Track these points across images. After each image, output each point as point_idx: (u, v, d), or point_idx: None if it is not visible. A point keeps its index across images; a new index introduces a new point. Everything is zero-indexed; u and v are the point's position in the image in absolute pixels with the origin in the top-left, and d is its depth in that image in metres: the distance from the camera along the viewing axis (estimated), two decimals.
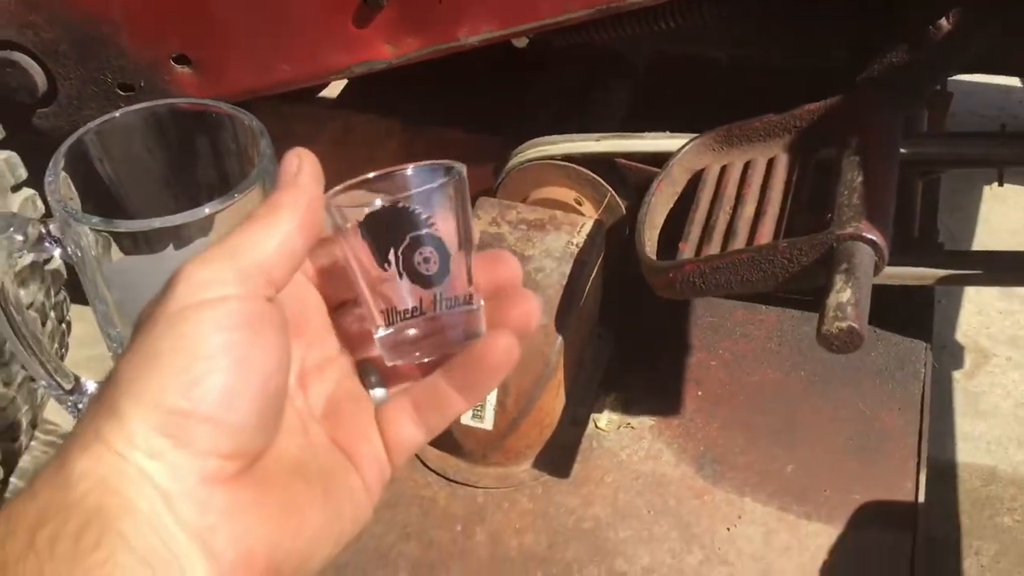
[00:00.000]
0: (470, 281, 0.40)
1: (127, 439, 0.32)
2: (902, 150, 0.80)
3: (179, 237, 0.67)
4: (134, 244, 0.67)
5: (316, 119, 1.08)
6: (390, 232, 0.40)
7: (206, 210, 0.65)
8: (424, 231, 0.40)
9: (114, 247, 0.67)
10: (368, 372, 0.41)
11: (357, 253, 0.39)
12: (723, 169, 0.83)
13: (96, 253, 0.68)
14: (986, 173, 1.48)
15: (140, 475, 0.31)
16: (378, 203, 0.39)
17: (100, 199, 0.70)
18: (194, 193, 0.70)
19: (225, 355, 0.33)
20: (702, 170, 0.84)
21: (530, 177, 0.98)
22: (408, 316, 0.39)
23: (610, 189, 0.95)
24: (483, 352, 0.38)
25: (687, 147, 0.84)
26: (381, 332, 0.40)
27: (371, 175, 0.41)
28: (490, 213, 0.89)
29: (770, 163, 0.81)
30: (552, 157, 0.96)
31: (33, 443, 1.03)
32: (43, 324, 0.92)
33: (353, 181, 0.41)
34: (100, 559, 0.29)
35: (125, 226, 0.65)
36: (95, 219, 0.65)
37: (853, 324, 0.61)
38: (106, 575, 0.29)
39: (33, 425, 0.96)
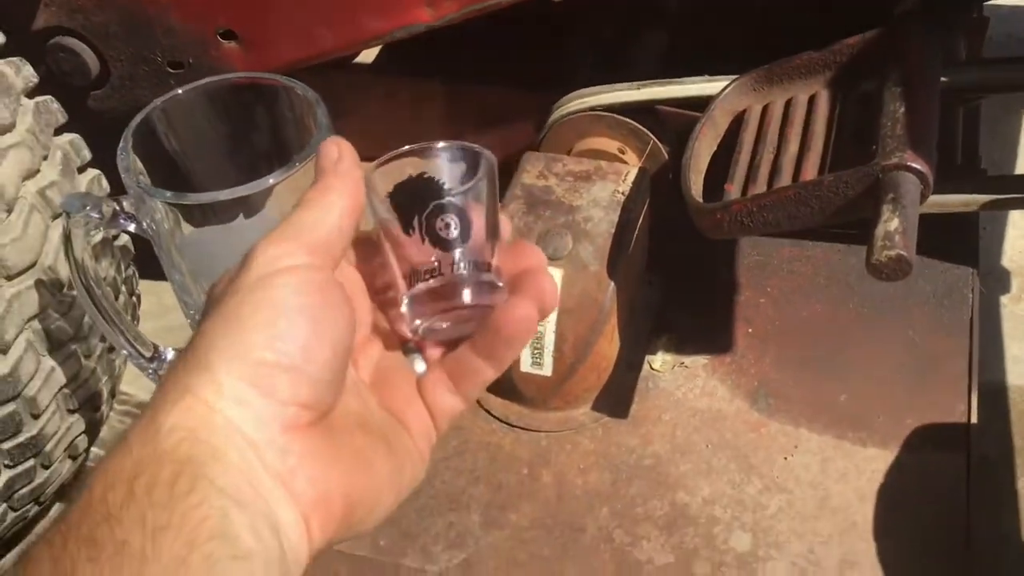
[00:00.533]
0: (492, 257, 0.43)
1: (216, 389, 0.35)
2: (942, 78, 0.81)
3: (245, 207, 0.70)
4: (203, 215, 0.71)
5: (359, 85, 1.10)
6: (415, 199, 0.43)
7: (270, 180, 0.69)
8: (446, 199, 0.43)
9: (182, 219, 0.70)
10: (408, 348, 0.44)
11: (388, 226, 0.43)
12: (764, 109, 0.85)
13: (168, 226, 0.71)
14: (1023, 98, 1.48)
15: (227, 424, 0.35)
16: (406, 173, 0.43)
17: (167, 174, 0.73)
18: (255, 163, 0.73)
19: (302, 314, 0.37)
20: (743, 111, 0.86)
21: (573, 129, 1.00)
22: (428, 276, 0.42)
23: (652, 136, 0.97)
24: (502, 322, 0.41)
25: (727, 89, 0.86)
26: (405, 301, 0.43)
27: (404, 148, 0.44)
28: (537, 167, 0.92)
29: (811, 100, 0.82)
30: (593, 108, 0.98)
31: (111, 413, 1.08)
32: (116, 298, 0.96)
33: (388, 155, 0.44)
34: (195, 502, 0.32)
35: (195, 199, 0.68)
36: (168, 193, 0.68)
37: (902, 252, 0.63)
38: (202, 515, 0.32)
39: (112, 395, 1.01)
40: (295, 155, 0.69)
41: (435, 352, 0.44)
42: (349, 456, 0.38)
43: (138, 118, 0.71)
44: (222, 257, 0.73)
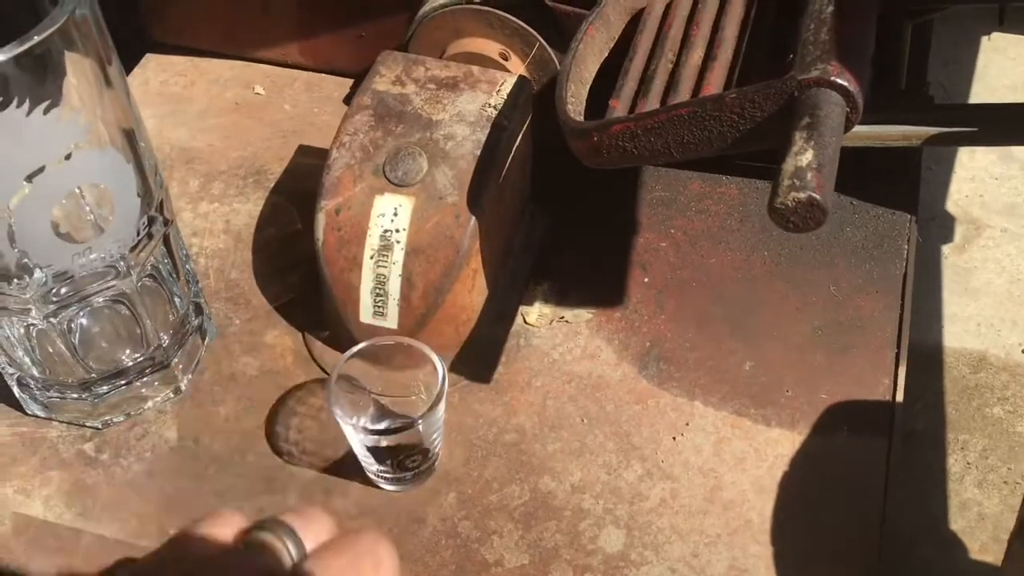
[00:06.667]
0: None
1: None
2: None
3: None
4: None
5: None
6: (396, 449, 0.63)
7: None
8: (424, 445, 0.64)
9: None
10: None
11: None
12: (668, 7, 0.68)
13: None
14: (983, 23, 1.33)
15: None
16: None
17: None
18: None
19: None
20: (643, 10, 0.69)
21: (446, 27, 0.83)
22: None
23: (540, 39, 0.80)
24: None
25: None
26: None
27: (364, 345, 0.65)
28: (393, 70, 0.74)
29: None
30: (471, 1, 0.81)
31: None
32: None
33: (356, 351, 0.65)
34: None
35: None
36: None
37: (814, 194, 0.48)
38: None
39: None
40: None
41: None
42: None
43: None
44: None
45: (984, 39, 1.32)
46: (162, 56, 0.98)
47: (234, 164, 0.88)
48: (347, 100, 0.94)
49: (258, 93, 0.95)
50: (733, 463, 0.68)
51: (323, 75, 0.97)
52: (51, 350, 0.67)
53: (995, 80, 1.28)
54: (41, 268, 0.60)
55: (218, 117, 0.93)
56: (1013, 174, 1.16)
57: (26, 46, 0.52)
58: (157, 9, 0.95)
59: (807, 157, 0.49)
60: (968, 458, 0.92)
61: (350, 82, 0.96)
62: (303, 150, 0.89)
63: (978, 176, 1.16)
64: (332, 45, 0.93)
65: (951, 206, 1.14)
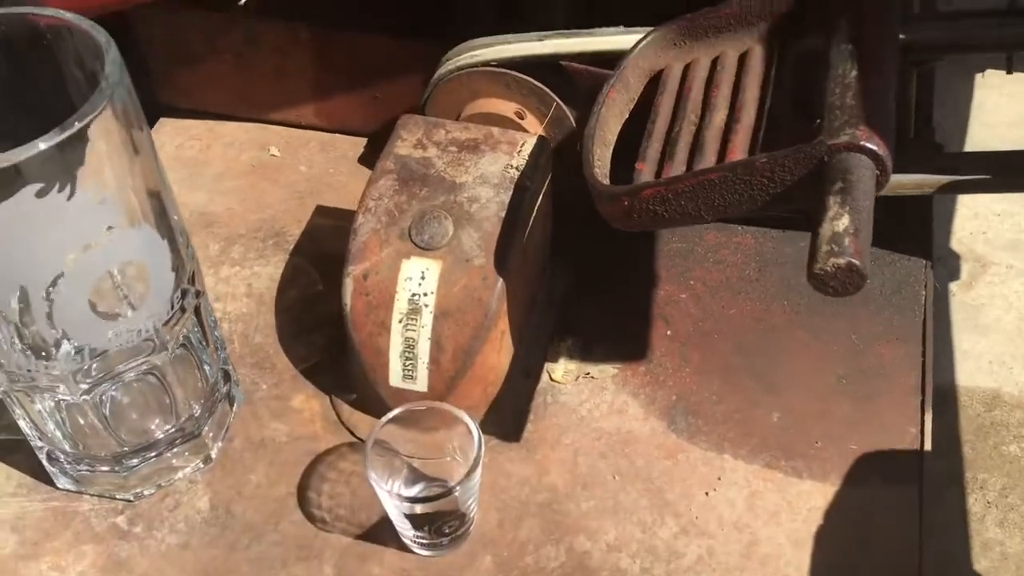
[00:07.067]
0: None
1: None
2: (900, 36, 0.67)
3: (15, 180, 0.54)
4: None
5: (213, 28, 0.92)
6: (433, 516, 0.64)
7: (40, 146, 0.53)
8: (460, 511, 0.64)
9: None
10: None
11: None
12: (687, 68, 0.69)
13: None
14: (976, 60, 1.35)
15: None
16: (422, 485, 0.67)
17: None
18: (44, 129, 0.56)
19: None
20: (661, 71, 0.70)
21: (463, 88, 0.84)
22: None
23: (556, 99, 0.82)
24: None
25: (642, 43, 0.70)
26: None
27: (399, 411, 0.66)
28: (414, 134, 0.75)
29: (743, 58, 0.67)
30: (487, 63, 0.82)
31: None
32: None
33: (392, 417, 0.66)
34: None
35: None
36: None
37: (853, 260, 0.48)
38: None
39: None
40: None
41: None
42: None
43: None
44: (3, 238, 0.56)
45: (978, 76, 1.34)
46: (176, 120, 0.98)
47: (253, 227, 0.89)
48: (362, 160, 0.95)
49: (273, 155, 0.96)
50: (767, 517, 0.68)
51: (337, 135, 0.97)
52: (82, 422, 0.67)
53: (991, 116, 1.30)
54: (71, 342, 0.61)
55: (235, 180, 0.94)
56: (1016, 211, 1.17)
57: (68, 133, 0.52)
58: (166, 73, 0.96)
59: (843, 222, 0.50)
60: (988, 497, 0.92)
61: (364, 141, 0.97)
62: (320, 211, 0.90)
63: (981, 213, 1.18)
64: (347, 106, 0.94)
65: (955, 244, 1.15)
